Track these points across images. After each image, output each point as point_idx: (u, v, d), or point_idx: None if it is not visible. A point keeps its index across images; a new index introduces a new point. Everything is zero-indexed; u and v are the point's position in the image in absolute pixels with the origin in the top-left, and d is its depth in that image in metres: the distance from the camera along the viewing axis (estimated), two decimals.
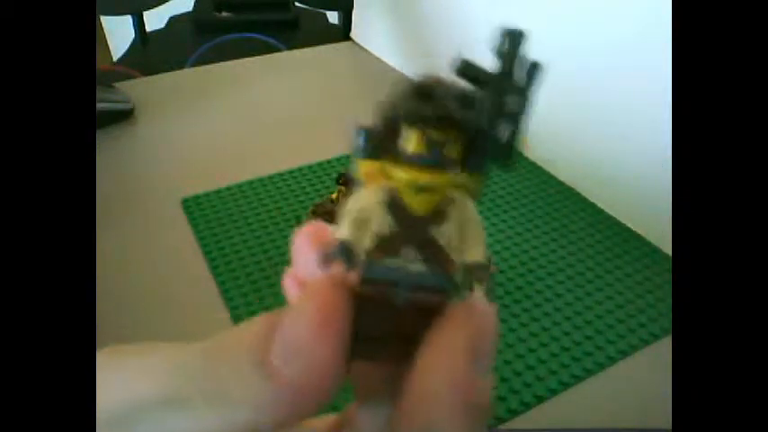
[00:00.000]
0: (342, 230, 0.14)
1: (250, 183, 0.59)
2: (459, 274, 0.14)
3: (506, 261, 0.51)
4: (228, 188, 0.58)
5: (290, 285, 0.18)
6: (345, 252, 0.14)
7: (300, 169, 0.61)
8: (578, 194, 0.59)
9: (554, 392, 0.40)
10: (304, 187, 0.59)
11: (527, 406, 0.40)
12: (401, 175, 0.14)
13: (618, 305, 0.47)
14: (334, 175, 0.59)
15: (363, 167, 0.14)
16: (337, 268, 0.14)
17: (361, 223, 0.14)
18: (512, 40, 0.13)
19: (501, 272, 0.50)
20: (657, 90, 0.49)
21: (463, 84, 0.14)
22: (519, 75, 0.13)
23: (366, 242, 0.14)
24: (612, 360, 0.43)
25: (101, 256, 0.48)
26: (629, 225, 0.55)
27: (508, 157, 0.14)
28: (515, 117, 0.13)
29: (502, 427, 0.38)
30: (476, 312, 0.14)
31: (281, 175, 0.60)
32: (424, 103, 0.13)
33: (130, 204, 0.57)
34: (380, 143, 0.14)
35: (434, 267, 0.14)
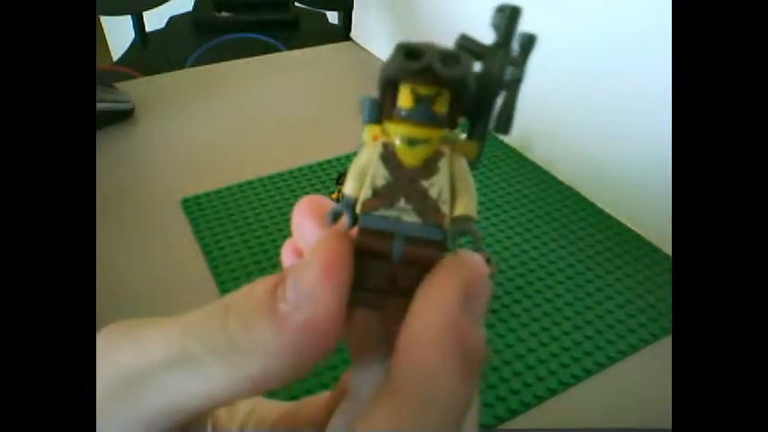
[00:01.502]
0: (347, 186, 0.15)
1: (250, 183, 0.59)
2: (448, 226, 0.15)
3: (506, 261, 0.51)
4: (228, 188, 0.58)
5: (287, 256, 0.19)
6: (349, 205, 0.15)
7: (300, 169, 0.61)
8: (578, 194, 0.59)
9: (554, 392, 0.40)
10: (304, 187, 0.59)
11: (527, 406, 0.40)
12: (394, 129, 0.15)
13: (618, 305, 0.47)
14: (334, 175, 0.59)
15: (369, 132, 0.15)
16: (342, 223, 0.15)
17: (362, 177, 0.15)
18: (509, 15, 0.14)
19: (501, 272, 0.50)
20: (657, 90, 0.49)
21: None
22: (514, 47, 0.15)
23: (366, 193, 0.15)
24: (612, 360, 0.43)
25: (101, 256, 0.48)
26: (629, 225, 0.55)
27: (507, 124, 0.15)
28: (513, 86, 0.15)
29: (502, 427, 0.38)
30: (467, 260, 0.14)
31: (280, 175, 0.60)
32: (410, 60, 0.14)
33: (130, 204, 0.57)
34: (381, 107, 0.15)
35: (426, 218, 0.14)
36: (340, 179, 0.54)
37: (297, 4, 1.23)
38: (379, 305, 0.15)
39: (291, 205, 0.56)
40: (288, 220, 0.54)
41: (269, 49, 0.97)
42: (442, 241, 0.14)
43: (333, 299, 0.14)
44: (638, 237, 0.54)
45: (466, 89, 0.14)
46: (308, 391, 0.40)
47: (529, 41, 0.14)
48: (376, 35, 0.87)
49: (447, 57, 0.14)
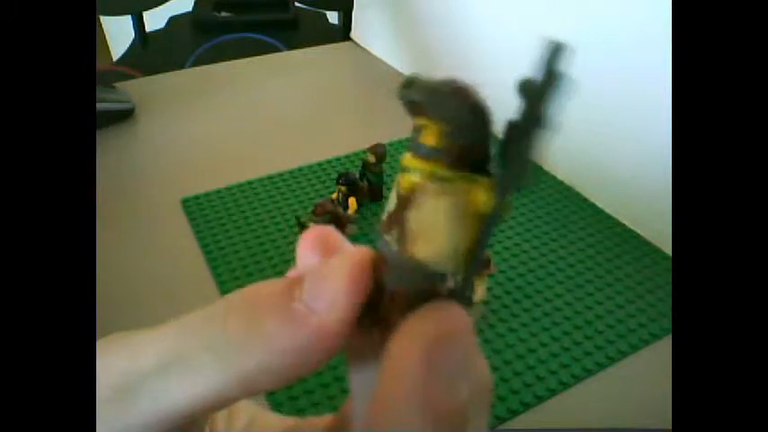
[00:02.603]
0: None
1: (250, 183, 0.59)
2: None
3: (506, 261, 0.51)
4: (228, 188, 0.58)
5: (305, 254, 0.19)
6: None
7: (300, 169, 0.61)
8: (578, 194, 0.59)
9: (554, 392, 0.40)
10: (304, 187, 0.59)
11: (527, 406, 0.40)
12: (403, 156, 0.15)
13: (618, 305, 0.47)
14: (334, 175, 0.59)
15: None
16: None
17: None
18: (552, 51, 0.13)
19: (501, 272, 0.50)
20: (657, 90, 0.49)
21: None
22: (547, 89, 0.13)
23: (383, 216, 0.15)
24: (612, 360, 0.43)
25: (101, 256, 0.48)
26: (629, 225, 0.55)
27: (523, 177, 0.13)
28: (532, 130, 0.13)
29: (502, 427, 0.38)
30: (430, 317, 0.14)
31: (280, 175, 0.60)
32: (406, 89, 0.14)
33: (130, 204, 0.57)
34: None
35: (400, 249, 0.14)
36: (340, 179, 0.54)
37: (297, 4, 1.23)
38: (380, 321, 0.15)
39: (291, 205, 0.56)
40: (288, 220, 0.54)
41: (269, 49, 0.97)
42: (414, 275, 0.14)
43: (350, 308, 0.14)
44: (637, 237, 0.54)
45: (450, 124, 0.13)
46: (309, 392, 0.40)
47: (556, 84, 0.13)
48: (376, 35, 0.87)
49: (432, 89, 0.13)
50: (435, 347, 0.13)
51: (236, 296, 0.15)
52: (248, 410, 0.20)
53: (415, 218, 0.14)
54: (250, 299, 0.15)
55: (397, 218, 0.14)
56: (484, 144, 0.14)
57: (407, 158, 0.14)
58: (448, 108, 0.13)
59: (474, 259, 0.14)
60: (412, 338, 0.13)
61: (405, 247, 0.14)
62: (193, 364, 0.14)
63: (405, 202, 0.14)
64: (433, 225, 0.14)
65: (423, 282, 0.14)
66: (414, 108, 0.14)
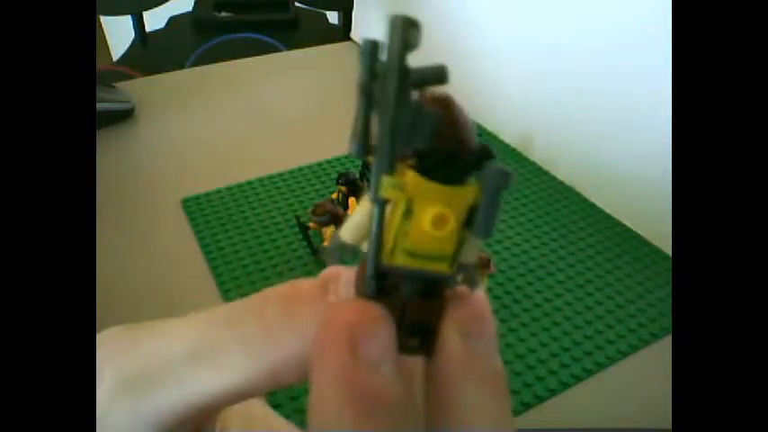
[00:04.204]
0: None
1: (250, 183, 0.59)
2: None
3: (506, 261, 0.51)
4: (228, 188, 0.58)
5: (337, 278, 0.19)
6: None
7: (300, 169, 0.61)
8: (578, 194, 0.59)
9: (554, 392, 0.40)
10: (304, 187, 0.59)
11: (527, 406, 0.40)
12: None
13: (618, 305, 0.47)
14: (334, 175, 0.59)
15: None
16: None
17: None
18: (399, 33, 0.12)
19: (501, 272, 0.50)
20: (657, 90, 0.49)
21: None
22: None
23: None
24: (612, 360, 0.43)
25: (101, 256, 0.48)
26: (629, 225, 0.55)
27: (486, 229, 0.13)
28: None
29: None
30: (332, 307, 0.14)
31: (280, 175, 0.60)
32: None
33: (130, 204, 0.57)
34: None
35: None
36: (340, 179, 0.54)
37: (297, 3, 1.23)
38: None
39: (291, 205, 0.56)
40: (288, 220, 0.54)
41: (269, 49, 0.97)
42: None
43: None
44: (638, 237, 0.54)
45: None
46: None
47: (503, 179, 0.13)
48: (376, 35, 0.87)
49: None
50: (357, 331, 0.13)
51: (273, 290, 0.15)
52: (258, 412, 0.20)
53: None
54: (288, 292, 0.15)
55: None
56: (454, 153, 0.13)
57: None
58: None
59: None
60: (325, 330, 0.13)
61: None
62: (224, 355, 0.14)
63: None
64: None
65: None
66: None
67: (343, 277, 0.15)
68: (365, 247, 0.14)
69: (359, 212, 0.15)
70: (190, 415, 0.15)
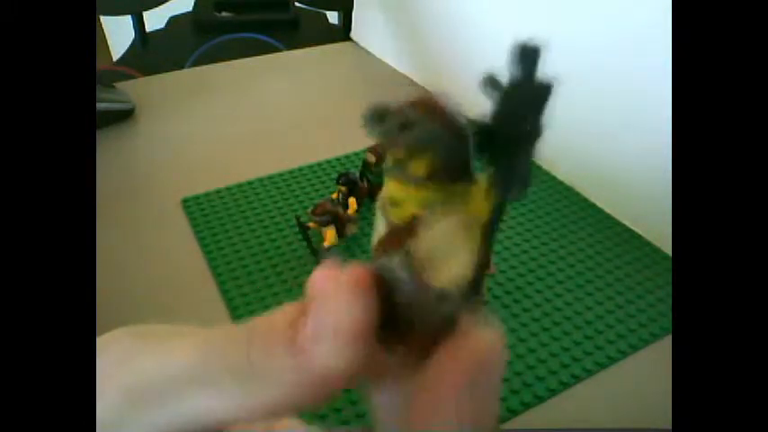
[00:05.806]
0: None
1: (250, 183, 0.59)
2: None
3: (506, 261, 0.51)
4: (228, 188, 0.58)
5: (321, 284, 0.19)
6: None
7: (300, 169, 0.61)
8: (578, 194, 0.59)
9: (554, 392, 0.40)
10: (304, 187, 0.59)
11: (527, 406, 0.40)
12: (386, 184, 0.15)
13: (618, 305, 0.47)
14: (334, 175, 0.59)
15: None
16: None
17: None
18: (528, 54, 0.13)
19: (501, 272, 0.50)
20: (657, 90, 0.49)
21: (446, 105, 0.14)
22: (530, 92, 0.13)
23: (373, 240, 0.15)
24: (612, 360, 0.43)
25: (101, 256, 0.48)
26: (629, 225, 0.55)
27: (518, 186, 0.14)
28: (525, 139, 0.13)
29: (502, 427, 0.38)
30: (477, 345, 0.14)
31: (280, 175, 0.60)
32: (378, 124, 0.14)
33: (130, 204, 0.57)
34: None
35: (412, 276, 0.14)
36: (340, 179, 0.54)
37: (297, 3, 1.23)
38: (396, 346, 0.15)
39: (291, 205, 0.56)
40: (288, 220, 0.54)
41: (269, 49, 0.97)
42: (439, 303, 0.14)
43: (355, 337, 0.14)
44: (638, 237, 0.54)
45: (434, 152, 0.13)
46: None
47: (546, 90, 0.13)
48: (376, 35, 0.87)
49: (404, 122, 0.13)
50: (475, 373, 0.14)
51: (258, 323, 0.15)
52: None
53: (425, 247, 0.14)
54: (267, 329, 0.15)
55: (395, 244, 0.14)
56: (465, 152, 0.14)
57: (394, 189, 0.14)
58: (427, 136, 0.13)
59: (483, 263, 0.14)
60: (454, 364, 0.14)
61: (422, 277, 0.14)
62: (219, 384, 0.14)
63: (403, 233, 0.14)
64: (448, 247, 0.14)
65: (447, 307, 0.14)
66: (390, 141, 0.14)
67: (310, 319, 0.14)
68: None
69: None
70: (194, 429, 0.15)
